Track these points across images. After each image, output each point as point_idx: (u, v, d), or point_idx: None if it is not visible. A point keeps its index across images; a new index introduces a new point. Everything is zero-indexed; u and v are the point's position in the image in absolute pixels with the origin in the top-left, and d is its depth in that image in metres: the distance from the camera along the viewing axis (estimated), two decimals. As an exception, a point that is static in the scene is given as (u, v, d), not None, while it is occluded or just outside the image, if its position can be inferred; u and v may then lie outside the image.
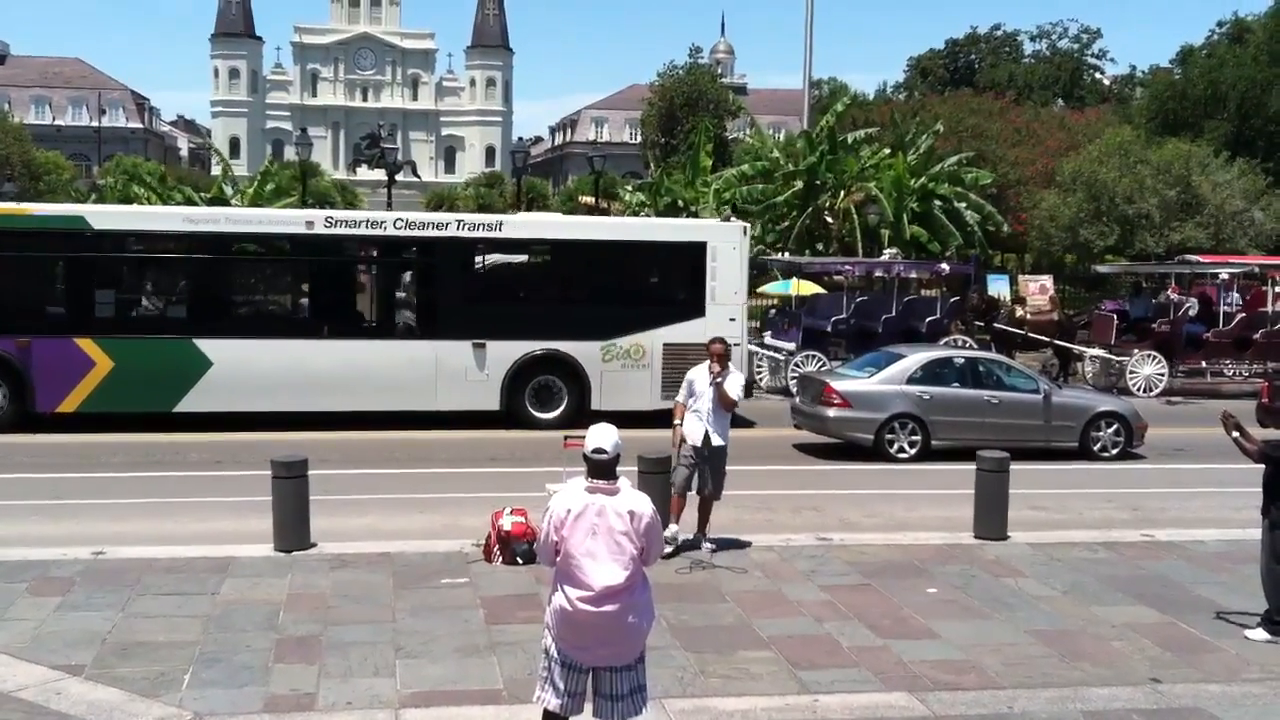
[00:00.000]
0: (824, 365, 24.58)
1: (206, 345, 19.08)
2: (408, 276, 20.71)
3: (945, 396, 18.12)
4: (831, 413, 18.07)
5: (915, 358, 18.74)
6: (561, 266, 20.97)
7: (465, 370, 19.71)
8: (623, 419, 19.17)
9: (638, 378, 20.22)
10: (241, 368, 19.03)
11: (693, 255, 20.49)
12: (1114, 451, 18.47)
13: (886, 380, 18.24)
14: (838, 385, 18.25)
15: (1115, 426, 18.56)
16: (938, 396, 18.07)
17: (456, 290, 19.94)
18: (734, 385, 11.95)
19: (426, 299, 20.22)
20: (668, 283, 21.32)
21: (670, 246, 21.15)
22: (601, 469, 6.44)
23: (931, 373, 18.43)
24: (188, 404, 19.11)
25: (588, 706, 6.58)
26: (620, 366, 20.19)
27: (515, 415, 19.94)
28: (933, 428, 17.91)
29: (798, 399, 19.53)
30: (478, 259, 20.37)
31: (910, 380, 18.17)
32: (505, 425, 19.71)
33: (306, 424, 18.93)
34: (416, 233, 19.93)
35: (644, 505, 6.49)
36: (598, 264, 20.71)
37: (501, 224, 20.69)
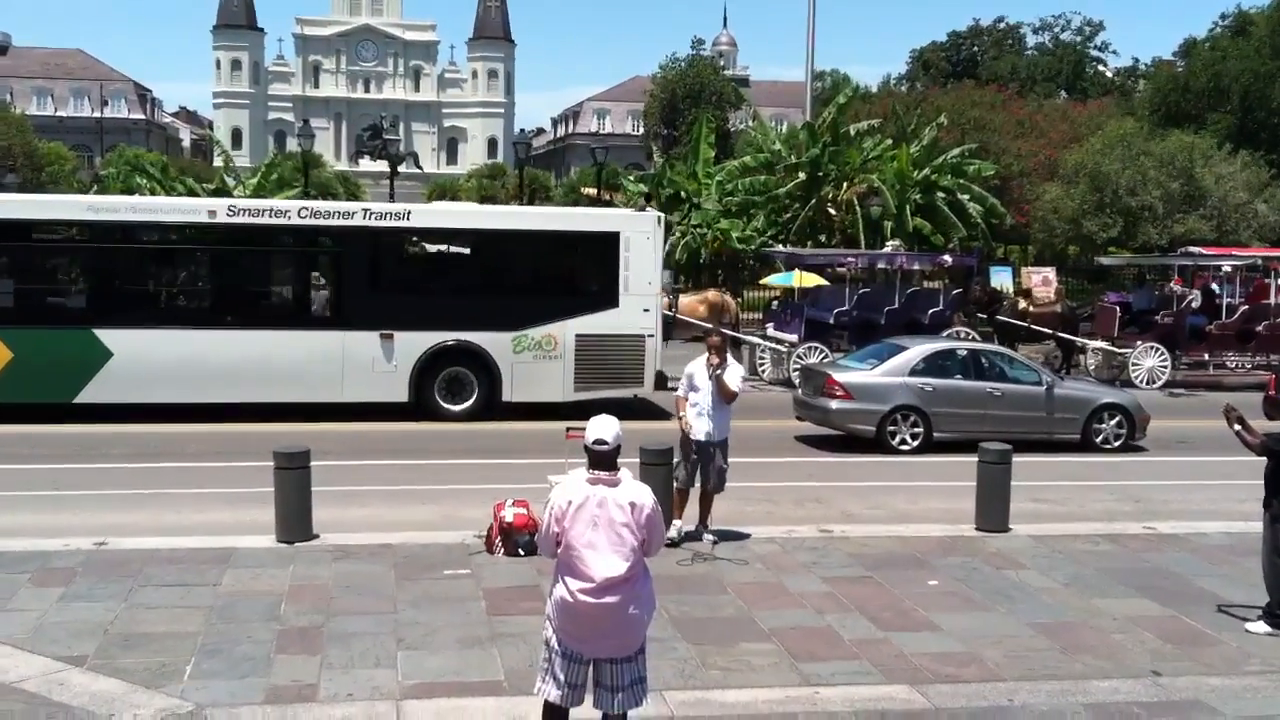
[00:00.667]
0: (826, 357, 24.57)
1: (107, 336, 18.77)
2: (314, 266, 20.44)
3: (947, 388, 18.10)
4: (834, 405, 18.05)
5: (917, 350, 18.72)
6: (471, 256, 20.74)
7: (373, 361, 19.46)
8: (534, 411, 19.18)
9: (550, 369, 19.98)
10: (142, 358, 18.75)
11: (606, 245, 20.20)
12: (1116, 444, 18.46)
13: (889, 372, 18.22)
14: (840, 377, 18.23)
15: (1118, 419, 18.55)
16: (940, 388, 18.05)
17: (364, 280, 19.68)
18: (734, 377, 11.94)
19: (333, 289, 20.04)
20: (580, 273, 20.98)
21: (583, 236, 20.81)
22: (602, 460, 6.44)
23: (934, 365, 18.42)
24: (88, 395, 18.79)
25: (588, 698, 6.59)
26: (532, 358, 19.94)
27: (425, 407, 19.70)
28: (935, 420, 17.89)
29: (800, 391, 19.50)
30: (385, 249, 20.09)
31: (912, 372, 18.15)
32: (414, 417, 19.49)
33: (309, 415, 18.93)
34: (322, 222, 19.64)
35: (645, 496, 6.49)
36: (508, 254, 20.49)
37: (409, 213, 20.40)
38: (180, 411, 18.87)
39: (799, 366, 23.84)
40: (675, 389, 12.64)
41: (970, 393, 18.10)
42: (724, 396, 11.87)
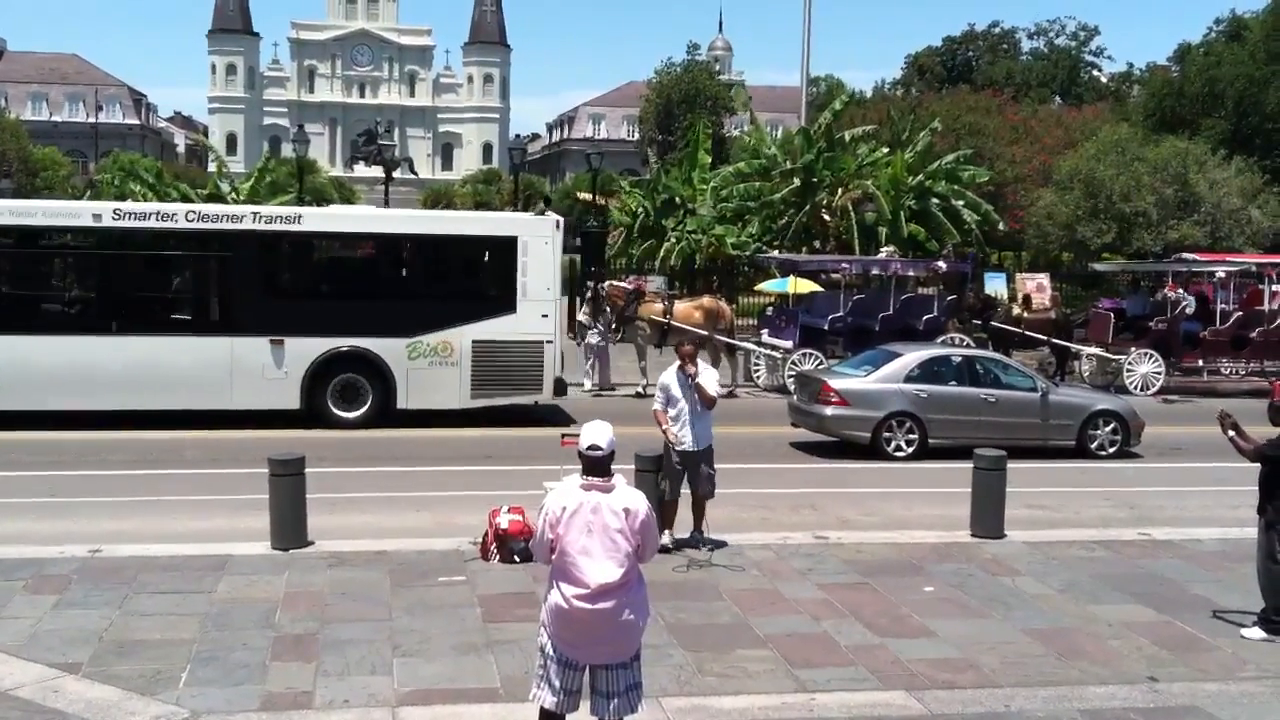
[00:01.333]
0: (821, 363, 24.58)
1: None
2: (201, 271, 20.02)
3: (942, 395, 18.11)
4: (829, 411, 18.05)
5: (912, 356, 18.73)
6: (366, 261, 20.60)
7: (262, 368, 19.12)
8: (431, 418, 19.04)
9: (446, 375, 19.65)
10: (23, 365, 18.43)
11: (503, 250, 19.96)
12: (1111, 450, 18.48)
13: (884, 379, 18.23)
14: (835, 383, 18.23)
15: (1113, 425, 18.57)
16: (935, 395, 18.06)
17: (253, 285, 19.30)
18: (711, 382, 11.90)
19: (221, 294, 19.70)
20: (477, 278, 20.78)
21: (479, 241, 20.63)
22: (597, 466, 6.45)
23: (929, 371, 18.42)
24: None
25: (583, 704, 6.59)
26: (427, 364, 19.60)
27: (317, 414, 19.34)
28: (930, 426, 17.90)
29: (795, 397, 19.50)
30: (276, 253, 19.72)
31: (908, 378, 18.16)
32: (305, 424, 19.13)
33: (305, 422, 18.91)
34: (210, 225, 19.32)
35: (639, 502, 6.50)
36: (404, 259, 20.35)
37: (300, 217, 20.18)
38: (78, 418, 18.55)
39: (794, 373, 23.87)
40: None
41: (965, 399, 18.12)
42: (705, 403, 11.80)
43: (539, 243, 20.00)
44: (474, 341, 19.69)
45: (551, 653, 6.52)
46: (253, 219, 19.54)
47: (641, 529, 6.45)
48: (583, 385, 23.89)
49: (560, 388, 20.30)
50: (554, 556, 6.46)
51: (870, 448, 17.86)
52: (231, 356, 19.05)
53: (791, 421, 19.11)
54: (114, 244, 19.18)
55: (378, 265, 20.46)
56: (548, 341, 19.95)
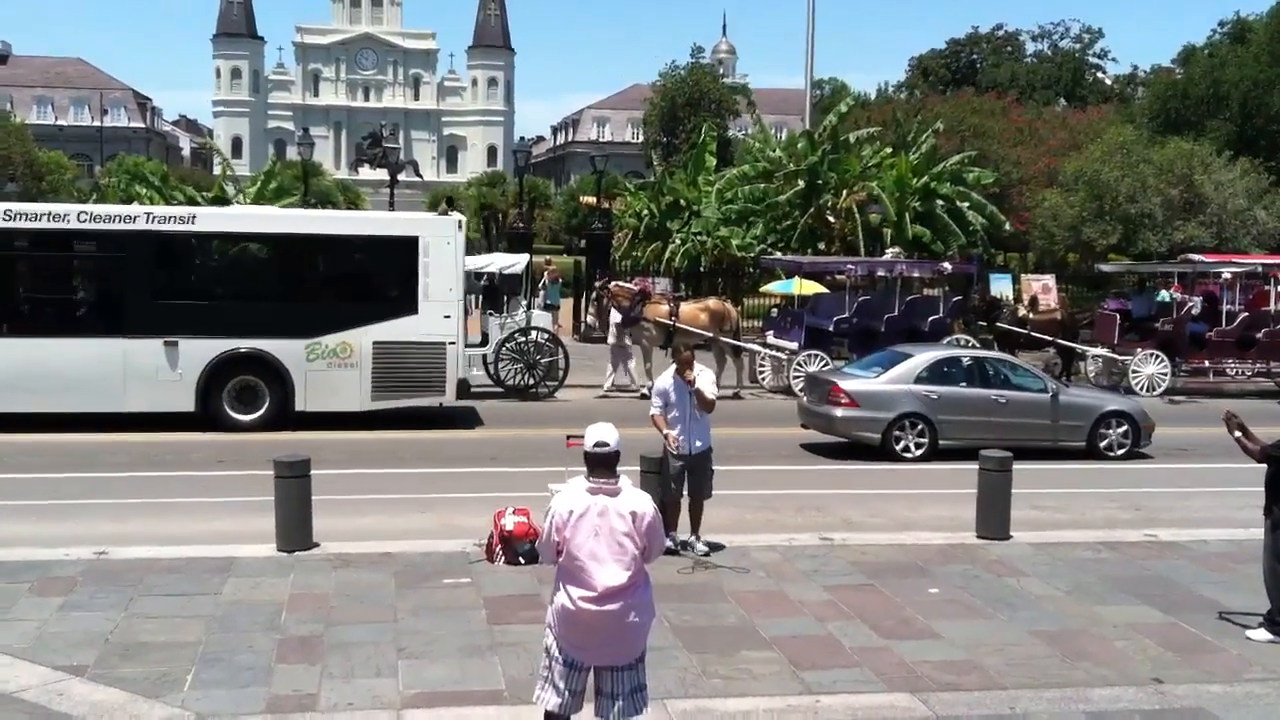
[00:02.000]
0: (826, 364, 24.56)
1: None
2: (95, 272, 19.83)
3: (953, 396, 18.09)
4: (839, 412, 18.02)
5: (922, 357, 18.72)
6: (261, 261, 20.34)
7: (156, 370, 18.85)
8: (330, 420, 18.90)
9: (346, 377, 19.40)
10: None
11: (404, 250, 19.68)
12: (1122, 451, 18.44)
13: (894, 380, 18.21)
14: (845, 385, 18.20)
15: (1123, 426, 18.53)
16: (945, 396, 18.04)
17: (146, 286, 19.01)
18: (708, 385, 11.85)
19: (113, 295, 19.33)
20: (377, 279, 20.42)
21: (380, 241, 20.35)
22: (603, 464, 6.46)
23: (939, 372, 18.41)
24: None
25: (588, 706, 6.59)
26: (326, 366, 19.34)
27: (213, 417, 19.09)
28: (940, 427, 17.86)
29: (805, 399, 19.46)
30: (170, 254, 19.39)
31: (918, 380, 18.14)
32: (201, 427, 18.96)
33: (310, 424, 18.92)
34: (102, 226, 19.11)
35: (645, 505, 6.52)
36: (301, 259, 20.02)
37: (195, 217, 19.96)
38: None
39: (799, 374, 23.88)
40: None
41: (975, 400, 18.09)
42: (704, 407, 11.75)
43: (441, 243, 19.75)
44: (375, 343, 19.45)
45: (557, 654, 6.53)
46: (146, 219, 19.33)
47: (648, 531, 6.47)
48: (628, 385, 23.92)
49: (464, 389, 20.05)
50: (561, 559, 6.47)
51: (880, 449, 17.83)
52: (124, 358, 18.78)
53: (801, 423, 19.08)
54: (5, 245, 18.97)
55: (275, 265, 20.11)
56: (450, 343, 19.68)
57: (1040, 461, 17.04)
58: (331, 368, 19.40)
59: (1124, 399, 20.24)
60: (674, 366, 11.94)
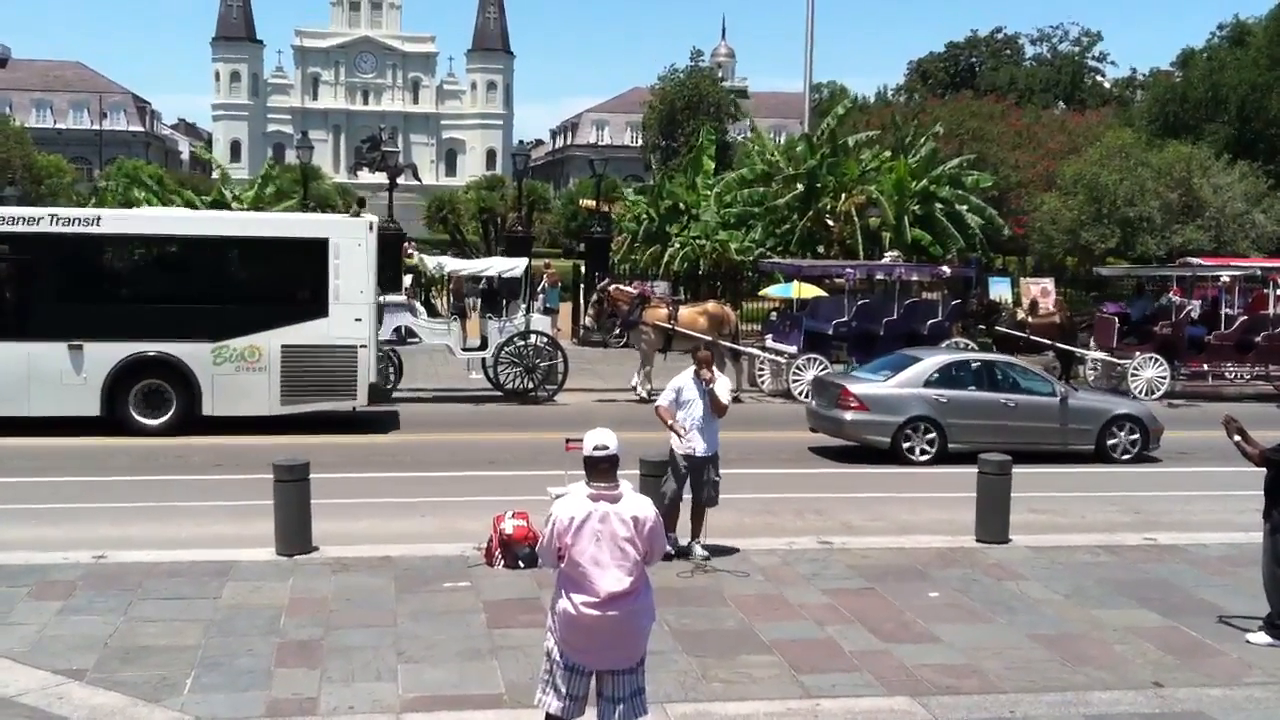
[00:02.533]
0: (826, 368, 24.57)
1: None
2: None
3: (962, 400, 18.08)
4: (849, 416, 18.02)
5: (931, 361, 18.74)
6: (168, 264, 20.07)
7: (60, 374, 18.56)
8: (239, 425, 18.72)
9: (254, 381, 19.10)
10: None
11: (313, 252, 19.39)
12: (1130, 455, 18.43)
13: (903, 384, 18.21)
14: (855, 388, 18.19)
15: (1132, 430, 18.52)
16: (954, 399, 18.04)
17: (50, 289, 18.78)
18: (724, 390, 11.88)
19: (16, 298, 19.12)
20: (286, 281, 19.92)
21: (289, 243, 19.97)
22: (603, 468, 6.46)
23: (948, 376, 18.41)
24: None
25: (589, 710, 6.59)
26: (235, 369, 19.06)
27: (119, 421, 18.80)
28: (949, 431, 17.84)
29: (814, 403, 19.44)
30: (74, 256, 19.02)
31: (927, 383, 18.15)
32: (107, 431, 18.70)
33: (308, 428, 18.91)
34: (5, 228, 18.91)
35: (647, 509, 6.53)
36: (210, 261, 19.72)
37: (99, 219, 19.69)
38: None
39: (811, 378, 23.93)
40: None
41: (985, 404, 18.08)
42: (716, 410, 11.77)
43: (352, 244, 19.52)
44: (283, 346, 19.16)
45: (559, 658, 6.54)
46: (50, 221, 19.10)
47: (650, 535, 6.49)
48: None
49: (376, 394, 19.82)
50: (563, 565, 6.47)
51: (890, 452, 17.82)
52: (28, 362, 18.52)
53: (810, 426, 19.08)
54: None
55: (182, 268, 19.88)
56: (361, 346, 19.43)
57: (1039, 465, 17.04)
58: (240, 371, 19.12)
59: (1133, 402, 20.23)
60: (693, 366, 11.92)
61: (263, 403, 19.23)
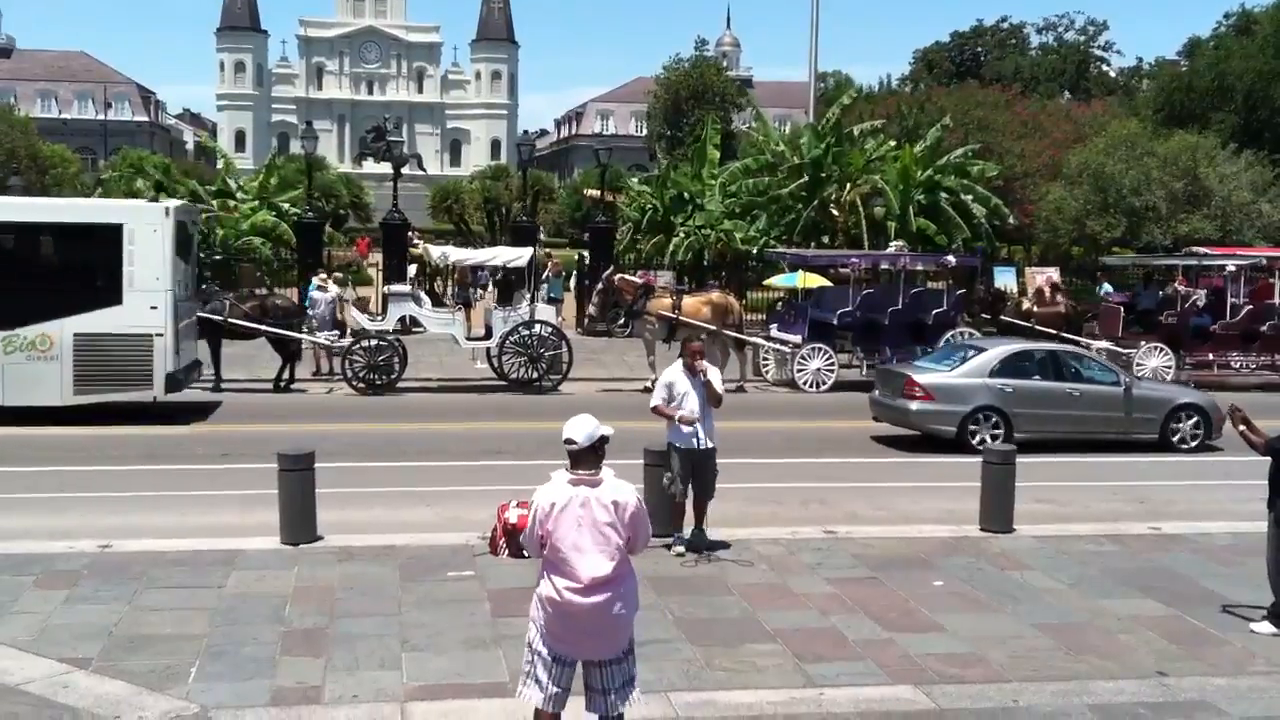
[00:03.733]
0: (830, 358, 24.58)
1: None
2: None
3: (1027, 389, 18.10)
4: (914, 406, 18.07)
5: (997, 350, 18.80)
6: None
7: None
8: (33, 415, 18.47)
9: (46, 371, 18.66)
10: None
11: (107, 238, 18.87)
12: (1193, 444, 18.40)
13: (969, 373, 18.25)
14: (920, 378, 18.24)
15: (1195, 419, 18.47)
16: (1020, 389, 18.07)
17: None
18: (717, 380, 11.77)
19: None
20: (78, 268, 19.50)
21: (81, 228, 19.61)
22: (577, 459, 6.45)
23: (1013, 365, 18.44)
24: None
25: (573, 701, 6.56)
26: (25, 359, 18.62)
27: None
28: (1015, 420, 17.84)
29: (878, 392, 19.46)
30: None
31: (992, 373, 18.19)
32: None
33: (315, 417, 18.93)
34: None
35: (628, 495, 6.48)
36: None
37: None
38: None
39: (812, 367, 23.97)
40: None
41: (1050, 393, 18.10)
42: (712, 401, 11.64)
43: (147, 231, 19.01)
44: (76, 335, 18.73)
45: (541, 648, 6.52)
46: None
47: (631, 521, 6.43)
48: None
49: (173, 383, 19.41)
50: (545, 551, 6.46)
51: (956, 442, 17.84)
52: None
53: (873, 415, 19.17)
54: None
55: None
56: (157, 334, 18.98)
57: (1044, 455, 17.02)
58: (31, 360, 18.71)
59: (1195, 392, 20.14)
60: (680, 360, 11.80)
61: (54, 393, 18.82)
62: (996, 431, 17.79)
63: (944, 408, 17.91)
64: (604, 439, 6.52)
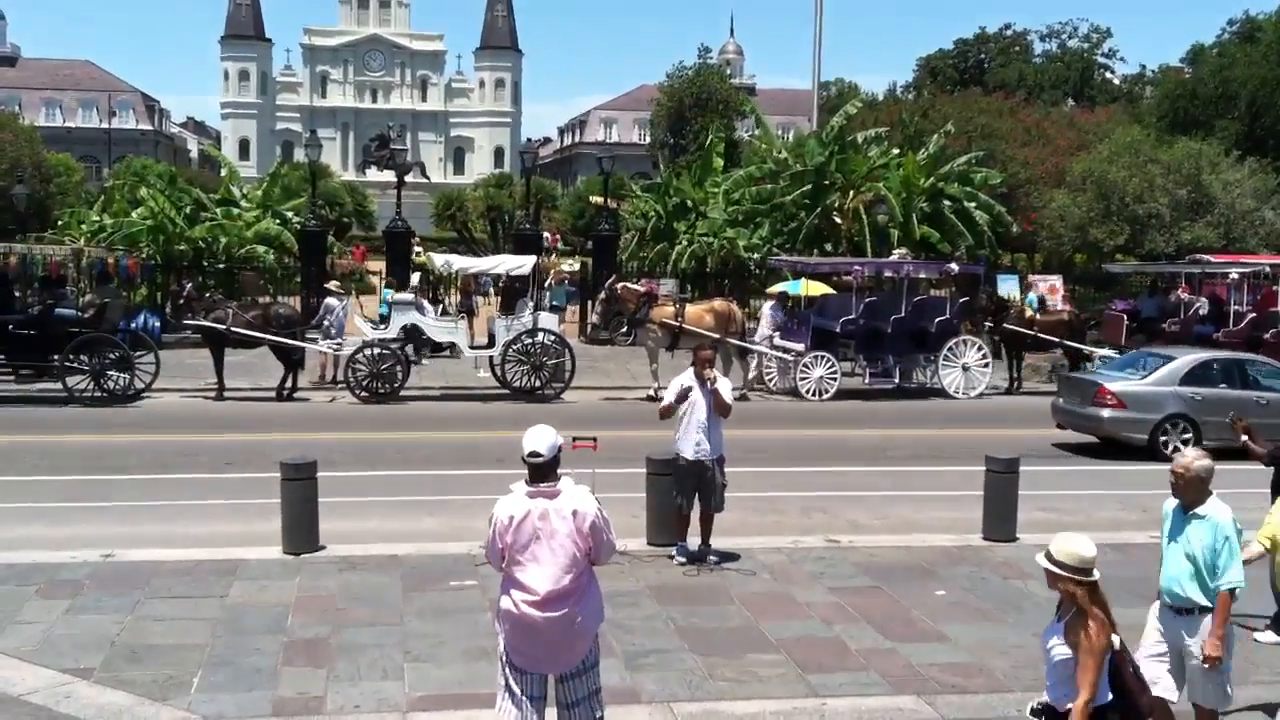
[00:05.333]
0: (833, 366, 24.56)
1: None
2: None
3: (1215, 397, 18.28)
4: (1106, 413, 18.47)
5: (1185, 359, 19.12)
6: None
7: None
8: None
9: None
10: None
11: None
12: None
13: (1159, 381, 18.66)
14: (1113, 386, 18.56)
15: None
16: (1208, 397, 18.32)
17: None
18: (727, 389, 11.76)
19: None
20: None
21: None
22: (538, 472, 6.40)
23: (1200, 374, 18.76)
24: None
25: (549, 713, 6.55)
26: None
27: None
28: (1204, 428, 17.99)
29: (1062, 400, 19.81)
30: None
31: (1182, 381, 18.52)
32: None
33: (316, 426, 18.94)
34: None
35: (587, 504, 6.39)
36: None
37: None
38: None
39: (815, 375, 23.96)
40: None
41: (1237, 402, 17.96)
42: (720, 411, 11.59)
43: None
44: None
45: (508, 663, 6.47)
46: None
47: (591, 530, 6.34)
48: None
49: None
50: (504, 564, 6.42)
51: (1147, 449, 18.02)
52: None
53: (1057, 423, 19.50)
54: None
55: None
56: None
57: (1046, 463, 17.01)
58: None
59: None
60: (692, 366, 11.75)
61: None
62: (1186, 438, 17.96)
63: (1136, 415, 18.35)
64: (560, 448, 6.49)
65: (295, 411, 22.11)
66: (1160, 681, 7.24)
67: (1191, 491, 7.26)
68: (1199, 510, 7.27)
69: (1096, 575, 5.81)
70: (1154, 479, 16.99)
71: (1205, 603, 7.24)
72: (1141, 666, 7.27)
